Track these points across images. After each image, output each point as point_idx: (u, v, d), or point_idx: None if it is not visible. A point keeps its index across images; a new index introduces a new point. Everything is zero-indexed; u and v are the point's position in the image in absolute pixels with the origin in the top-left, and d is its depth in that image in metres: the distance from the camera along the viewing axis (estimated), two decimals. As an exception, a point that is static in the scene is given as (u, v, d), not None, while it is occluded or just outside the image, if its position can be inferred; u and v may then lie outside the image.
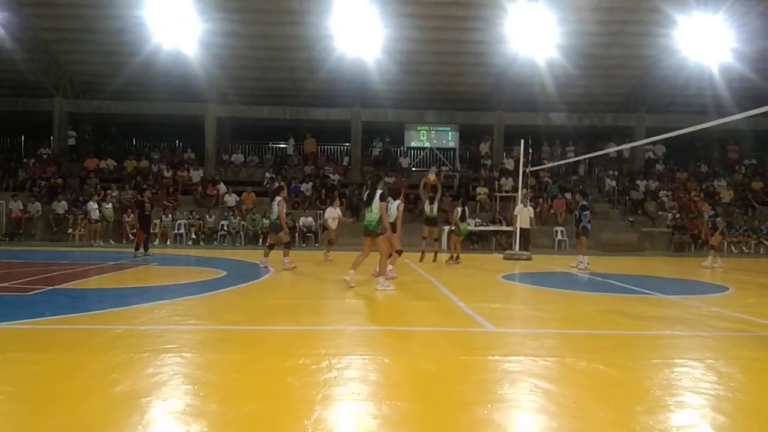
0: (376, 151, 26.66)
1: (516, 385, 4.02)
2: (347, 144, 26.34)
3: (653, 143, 25.06)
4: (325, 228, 14.11)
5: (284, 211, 12.20)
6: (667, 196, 23.39)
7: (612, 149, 21.66)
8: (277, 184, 15.07)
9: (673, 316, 7.06)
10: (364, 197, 9.18)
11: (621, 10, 20.21)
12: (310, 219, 20.95)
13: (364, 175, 24.78)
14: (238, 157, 25.90)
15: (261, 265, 11.91)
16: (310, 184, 23.54)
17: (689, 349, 5.40)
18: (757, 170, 25.68)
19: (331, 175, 24.43)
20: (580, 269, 12.73)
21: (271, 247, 12.64)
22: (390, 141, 26.91)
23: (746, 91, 21.15)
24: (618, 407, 3.59)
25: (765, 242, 20.94)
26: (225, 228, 20.76)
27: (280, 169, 24.95)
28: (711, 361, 4.79)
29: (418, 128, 26.47)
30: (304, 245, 20.09)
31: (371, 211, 8.82)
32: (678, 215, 22.05)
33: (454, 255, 14.22)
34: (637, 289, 9.62)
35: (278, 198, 12.09)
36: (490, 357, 4.78)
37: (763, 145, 26.67)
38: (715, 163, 26.46)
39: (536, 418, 3.43)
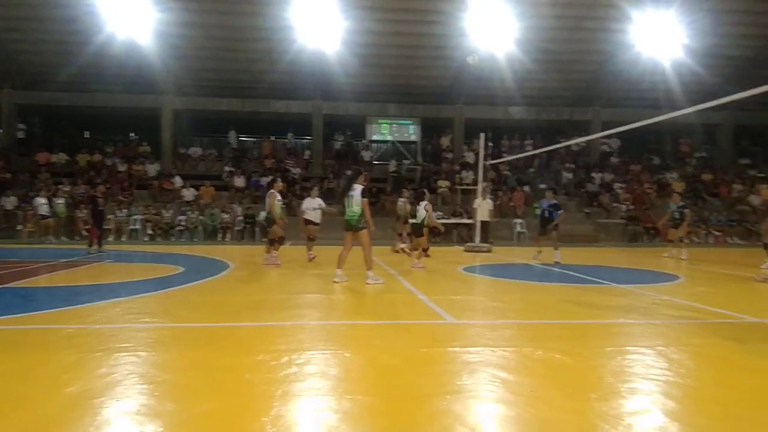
0: (337, 145, 26.53)
1: (475, 376, 4.07)
2: (309, 137, 26.13)
3: (608, 137, 25.73)
4: (307, 222, 12.61)
5: (276, 203, 11.40)
6: (621, 188, 24.04)
7: (569, 143, 22.12)
8: (271, 177, 14.18)
9: (626, 305, 7.26)
10: (343, 192, 9.19)
11: (577, 6, 20.59)
12: (270, 213, 20.69)
13: (326, 168, 24.67)
14: (195, 151, 25.40)
15: (264, 262, 11.55)
16: (271, 178, 23.25)
17: (641, 337, 5.56)
18: (707, 163, 26.63)
19: (292, 169, 24.21)
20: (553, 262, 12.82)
21: (272, 243, 11.69)
22: (352, 134, 26.83)
23: (696, 86, 21.90)
24: (573, 395, 3.68)
25: (714, 232, 21.75)
26: (182, 223, 20.34)
27: (239, 162, 24.58)
28: (662, 348, 4.95)
29: (380, 121, 26.46)
30: (265, 240, 19.84)
31: (351, 206, 8.86)
32: (632, 206, 22.70)
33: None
34: (593, 279, 9.87)
35: (271, 191, 11.51)
36: (450, 349, 4.82)
37: (712, 139, 27.68)
38: (667, 156, 27.32)
39: (494, 407, 3.48)
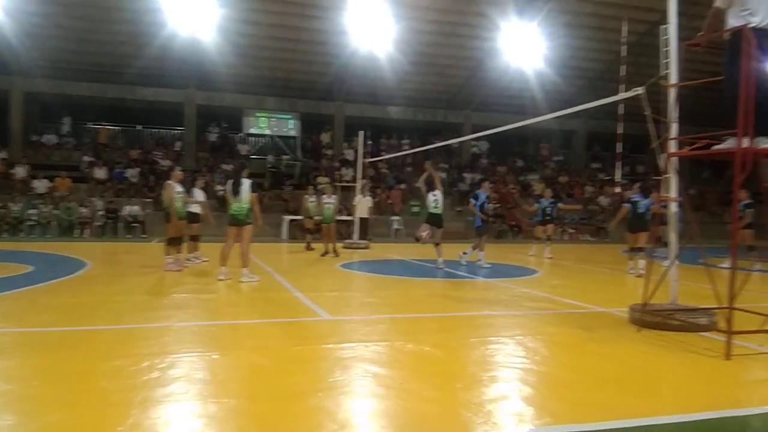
0: (212, 137, 25.47)
1: (348, 372, 4.09)
2: (180, 128, 24.80)
3: (478, 139, 27.18)
4: (196, 219, 11.04)
5: (176, 196, 9.77)
6: (489, 188, 25.49)
7: (443, 143, 23.03)
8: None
9: (490, 298, 7.72)
10: (230, 186, 8.77)
11: (451, 12, 21.47)
12: (136, 208, 19.39)
13: (199, 161, 23.59)
14: (50, 138, 23.08)
15: (165, 268, 9.62)
16: (137, 170, 21.81)
17: (503, 327, 5.93)
18: (564, 166, 29.05)
19: (161, 161, 22.85)
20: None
21: (170, 243, 9.77)
22: (228, 127, 25.90)
23: (556, 95, 23.75)
24: (440, 385, 3.82)
25: (569, 230, 23.77)
26: (33, 218, 18.41)
27: (99, 152, 22.73)
28: (520, 337, 5.31)
29: (258, 115, 25.79)
30: (129, 237, 18.58)
31: (240, 201, 8.60)
32: (498, 205, 24.15)
33: (331, 246, 13.37)
34: (462, 273, 10.37)
35: (168, 181, 9.88)
36: (324, 345, 4.81)
37: (569, 144, 30.24)
38: (529, 159, 29.42)
39: (365, 402, 3.52)
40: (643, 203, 11.00)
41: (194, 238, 11.15)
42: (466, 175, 26.14)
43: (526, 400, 3.60)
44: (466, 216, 23.42)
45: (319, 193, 15.18)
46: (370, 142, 25.39)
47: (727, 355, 4.46)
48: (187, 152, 24.08)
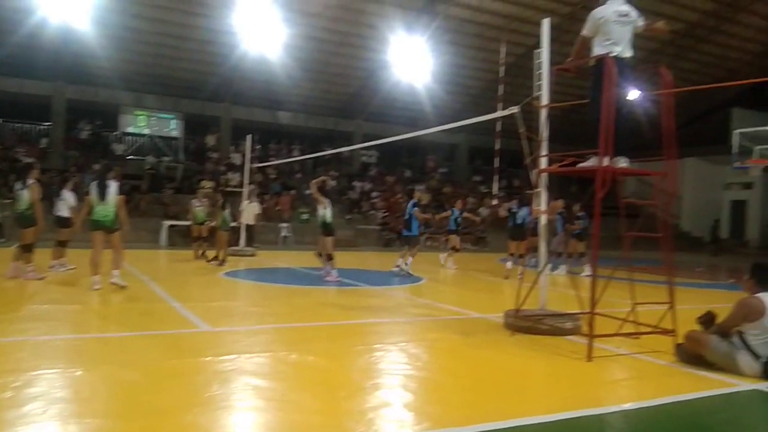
0: (84, 134, 23.60)
1: (226, 385, 3.93)
2: (47, 123, 22.72)
3: (368, 149, 27.58)
4: (65, 223, 9.97)
5: (38, 197, 8.86)
6: (377, 196, 25.93)
7: (333, 151, 23.09)
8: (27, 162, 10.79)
9: (376, 305, 7.81)
10: (95, 189, 8.11)
11: (343, 22, 21.64)
12: (-7, 209, 17.45)
13: (68, 159, 21.75)
14: None
15: (24, 276, 8.66)
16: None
17: (387, 334, 6.03)
18: (448, 177, 30.26)
19: (23, 158, 20.77)
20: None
21: (26, 249, 8.77)
22: (101, 124, 24.13)
23: (443, 109, 24.69)
24: (322, 395, 3.79)
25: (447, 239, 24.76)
26: None
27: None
28: (404, 344, 5.42)
29: (136, 113, 24.32)
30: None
31: (106, 205, 8.02)
32: (386, 214, 24.61)
33: (221, 254, 12.64)
34: (349, 281, 10.40)
35: (31, 181, 8.92)
36: (202, 359, 4.59)
37: (453, 157, 31.58)
38: (416, 170, 30.33)
39: (243, 416, 3.40)
40: (520, 214, 11.93)
41: (62, 244, 10.18)
42: (356, 183, 26.37)
43: (407, 405, 3.67)
44: (356, 224, 23.62)
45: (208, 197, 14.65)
46: (258, 147, 24.86)
47: (589, 357, 4.85)
48: (55, 150, 22.11)
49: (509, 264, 12.16)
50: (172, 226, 18.55)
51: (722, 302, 5.83)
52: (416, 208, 12.21)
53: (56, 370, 4.10)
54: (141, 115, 24.38)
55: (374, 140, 15.08)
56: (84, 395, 3.60)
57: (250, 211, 16.07)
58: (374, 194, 26.05)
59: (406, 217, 12.42)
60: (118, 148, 23.56)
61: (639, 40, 5.58)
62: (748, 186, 28.88)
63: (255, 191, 18.08)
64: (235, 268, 12.30)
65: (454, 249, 14.14)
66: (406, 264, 11.67)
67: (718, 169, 28.68)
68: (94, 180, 8.46)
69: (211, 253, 13.02)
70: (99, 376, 4.03)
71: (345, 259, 12.35)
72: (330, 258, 10.17)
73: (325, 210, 10.28)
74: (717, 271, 16.84)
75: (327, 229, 10.34)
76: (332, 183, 25.75)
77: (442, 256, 14.16)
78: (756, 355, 4.45)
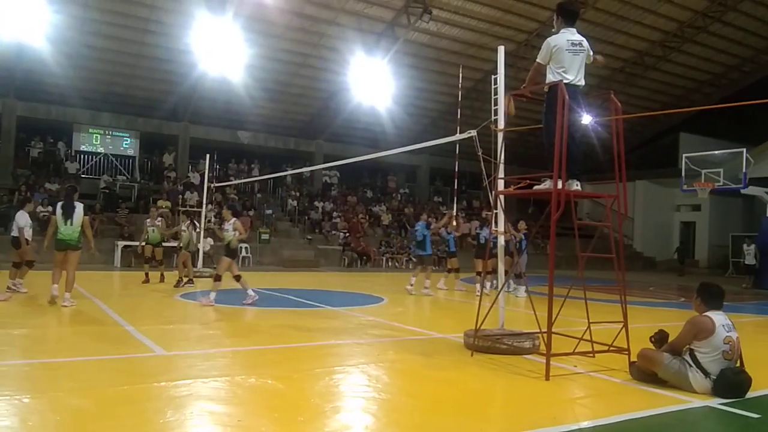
0: (35, 152, 22.85)
1: (181, 411, 3.82)
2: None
3: (329, 169, 27.58)
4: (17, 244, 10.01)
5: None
6: (339, 216, 25.88)
7: (294, 171, 23.02)
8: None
9: (337, 327, 7.75)
10: (60, 210, 8.52)
11: (303, 44, 21.73)
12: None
13: (17, 179, 20.98)
14: None
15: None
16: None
17: (348, 356, 5.98)
18: (410, 198, 30.49)
19: (-31, 177, 19.97)
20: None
21: (28, 264, 9.86)
22: (53, 142, 23.43)
23: (404, 131, 24.96)
24: (280, 420, 3.73)
25: (413, 258, 24.85)
26: None
27: None
28: (364, 365, 5.39)
29: (91, 131, 23.73)
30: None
31: (72, 224, 8.44)
32: (348, 234, 24.57)
33: (184, 275, 12.50)
34: (310, 302, 10.32)
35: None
36: (156, 384, 4.45)
37: (414, 177, 31.88)
38: (378, 190, 30.46)
39: (199, 443, 3.31)
40: (482, 234, 12.36)
41: (17, 265, 9.98)
42: (317, 203, 26.28)
43: (366, 429, 3.64)
44: (316, 244, 23.48)
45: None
46: (217, 166, 24.54)
47: (547, 376, 4.92)
48: (4, 168, 21.32)
49: (478, 287, 12.13)
50: (126, 246, 18.06)
51: (674, 321, 6.03)
52: (430, 229, 12.69)
53: (2, 398, 3.91)
54: (96, 133, 23.81)
55: (335, 160, 15.12)
56: (31, 423, 3.44)
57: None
58: (335, 214, 26.00)
59: (420, 239, 12.59)
60: (72, 167, 22.88)
61: (590, 68, 5.79)
62: (697, 208, 30.08)
63: (212, 211, 17.95)
64: (192, 289, 12.04)
65: (456, 270, 13.79)
66: (425, 288, 12.25)
67: (668, 192, 29.83)
68: (59, 201, 8.92)
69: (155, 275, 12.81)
70: (48, 403, 3.87)
71: (306, 280, 12.25)
72: (218, 279, 9.58)
73: (233, 231, 9.91)
74: (668, 290, 17.39)
75: (229, 250, 9.98)
76: (293, 203, 25.64)
77: (427, 281, 12.67)
78: (706, 373, 4.60)
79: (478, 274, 12.58)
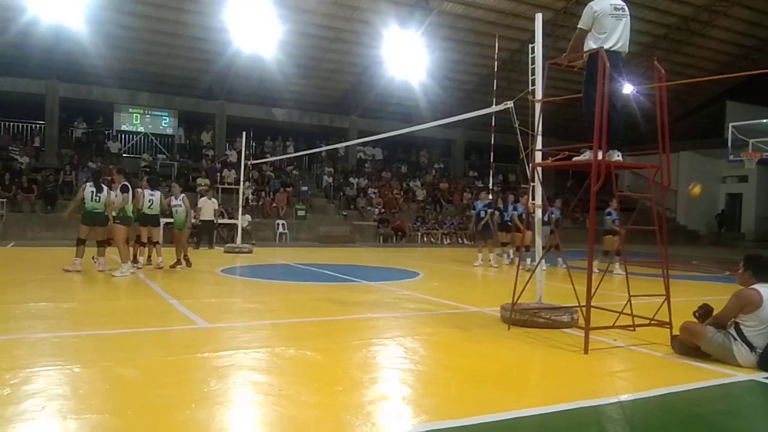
0: (78, 133, 23.51)
1: (224, 381, 3.94)
2: (41, 122, 22.61)
3: (364, 145, 27.55)
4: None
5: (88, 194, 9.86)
6: (374, 192, 25.92)
7: (329, 147, 23.07)
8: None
9: (373, 301, 7.82)
10: (92, 188, 9.70)
11: (336, 18, 21.56)
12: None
13: (62, 159, 21.67)
14: None
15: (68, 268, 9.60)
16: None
17: (384, 329, 6.04)
18: (444, 173, 30.26)
19: (18, 158, 20.73)
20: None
21: (108, 243, 10.07)
22: (98, 122, 24.05)
23: (438, 105, 24.68)
24: (320, 390, 3.80)
25: (449, 234, 24.77)
26: None
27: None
28: (400, 338, 5.43)
29: (131, 110, 24.24)
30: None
31: (99, 201, 9.65)
32: (383, 210, 24.62)
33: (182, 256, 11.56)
34: (347, 277, 10.42)
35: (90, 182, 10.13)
36: (199, 355, 4.59)
37: (449, 152, 31.57)
38: (412, 166, 30.32)
39: (241, 411, 3.40)
40: (478, 209, 13.47)
41: (101, 243, 10.08)
42: (352, 180, 26.35)
43: (404, 399, 3.68)
44: (352, 220, 23.63)
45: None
46: (253, 144, 24.80)
47: (586, 349, 4.87)
48: (49, 149, 22.04)
49: (505, 257, 13.79)
50: (167, 223, 18.49)
51: (718, 294, 5.87)
52: (491, 210, 13.30)
53: (54, 367, 4.10)
54: (135, 112, 24.30)
55: (369, 136, 15.04)
56: (82, 392, 3.60)
57: (208, 207, 16.04)
58: (370, 190, 26.03)
59: (483, 217, 13.26)
60: (113, 146, 23.49)
61: (633, 34, 5.59)
62: (743, 179, 29.00)
63: (213, 188, 18.51)
64: (232, 265, 12.31)
65: (527, 248, 11.62)
66: (493, 260, 13.09)
67: (713, 162, 28.80)
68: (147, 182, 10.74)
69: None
70: (97, 372, 4.03)
71: (342, 255, 12.36)
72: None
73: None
74: (712, 263, 16.90)
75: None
76: (328, 180, 25.75)
77: (505, 255, 13.84)
78: (751, 346, 4.48)
79: (503, 245, 13.60)
